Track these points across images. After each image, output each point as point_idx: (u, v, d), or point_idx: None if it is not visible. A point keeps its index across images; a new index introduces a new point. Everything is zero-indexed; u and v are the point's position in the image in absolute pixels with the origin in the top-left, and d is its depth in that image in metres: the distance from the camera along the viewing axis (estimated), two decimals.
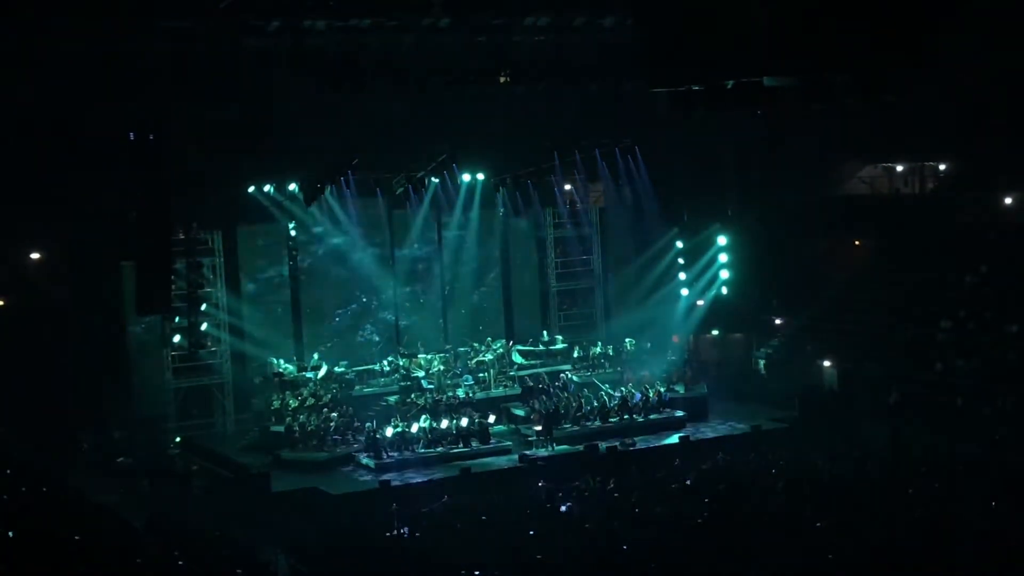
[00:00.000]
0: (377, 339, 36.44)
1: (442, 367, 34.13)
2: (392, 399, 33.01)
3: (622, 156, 35.31)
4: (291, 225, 35.13)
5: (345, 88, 26.41)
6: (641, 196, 39.49)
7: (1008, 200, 35.36)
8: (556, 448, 30.56)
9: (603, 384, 33.94)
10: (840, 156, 38.62)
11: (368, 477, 29.09)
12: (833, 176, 39.69)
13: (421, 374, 33.59)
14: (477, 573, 19.58)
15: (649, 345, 37.03)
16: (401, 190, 34.76)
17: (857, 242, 39.19)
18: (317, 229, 35.72)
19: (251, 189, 33.63)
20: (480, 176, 35.71)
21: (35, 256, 32.29)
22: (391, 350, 35.67)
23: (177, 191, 27.92)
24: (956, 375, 30.85)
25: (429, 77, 27.24)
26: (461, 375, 34.13)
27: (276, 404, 32.08)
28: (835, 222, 38.49)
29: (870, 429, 29.62)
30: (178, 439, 32.37)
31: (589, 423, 31.71)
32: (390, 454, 29.72)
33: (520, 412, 32.68)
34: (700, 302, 38.01)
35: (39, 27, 25.77)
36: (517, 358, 35.15)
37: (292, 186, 33.73)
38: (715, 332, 38.10)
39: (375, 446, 29.78)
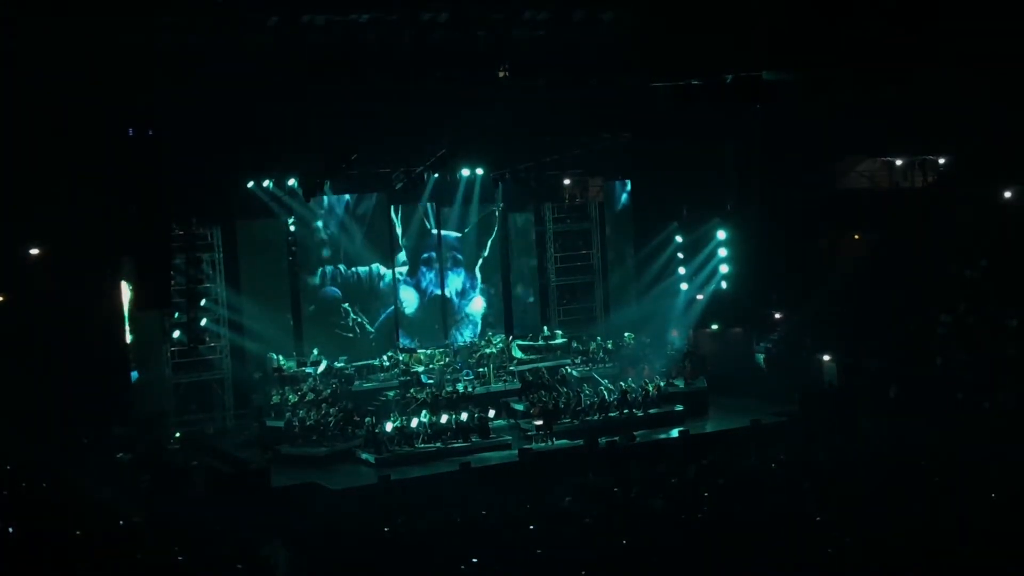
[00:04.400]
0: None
1: (442, 362, 34.16)
2: (392, 394, 33.04)
3: (622, 150, 35.28)
4: (290, 220, 35.11)
5: (344, 83, 26.37)
6: (640, 191, 39.59)
7: (1008, 194, 35.34)
8: (555, 443, 30.57)
9: (602, 379, 33.95)
10: (839, 150, 38.59)
11: (367, 472, 29.13)
12: (833, 170, 39.68)
13: (420, 369, 33.64)
14: (476, 567, 19.59)
15: (648, 340, 37.08)
16: (400, 185, 34.74)
17: (856, 236, 39.18)
18: (316, 224, 35.75)
19: (250, 184, 33.62)
20: (479, 171, 35.70)
21: (34, 252, 32.24)
22: (390, 345, 35.74)
23: (175, 187, 27.89)
24: (956, 369, 30.86)
25: (428, 72, 27.20)
26: (460, 370, 34.16)
27: (276, 399, 32.11)
28: (835, 216, 38.46)
29: (870, 424, 29.62)
30: (178, 435, 32.37)
31: (588, 418, 31.72)
32: (389, 449, 29.74)
33: (519, 407, 32.72)
34: (700, 296, 38.02)
35: (38, 22, 25.72)
36: (517, 353, 35.17)
37: (291, 181, 33.72)
38: (714, 327, 38.07)
39: (375, 441, 29.82)
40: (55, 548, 17.36)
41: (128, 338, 32.56)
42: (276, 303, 35.24)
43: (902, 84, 30.50)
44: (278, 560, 21.84)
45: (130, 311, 32.05)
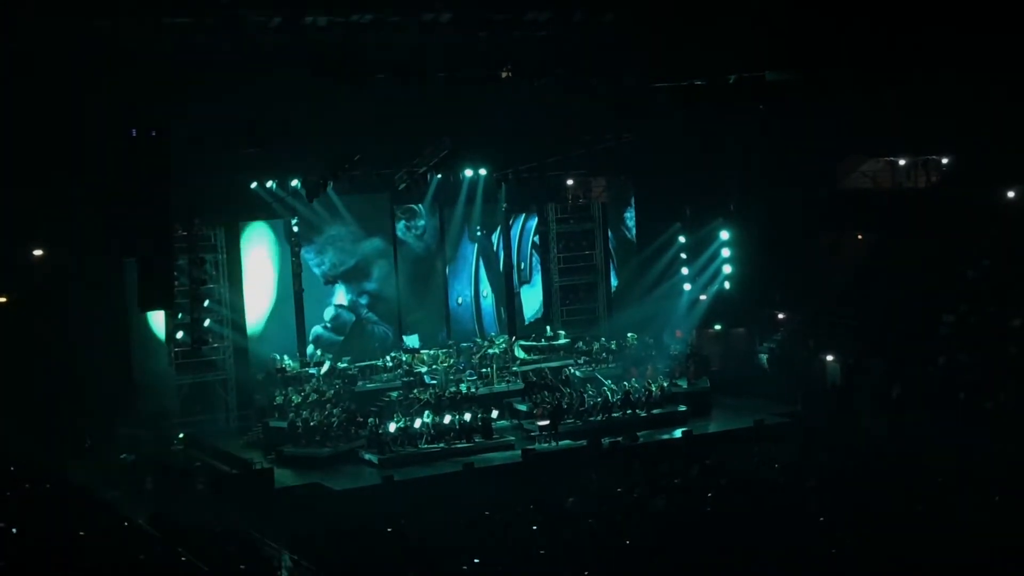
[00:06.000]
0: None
1: (445, 363, 34.17)
2: (395, 395, 33.03)
3: (624, 151, 35.30)
4: (293, 221, 35.14)
5: (347, 84, 26.41)
6: (643, 191, 39.60)
7: (1011, 194, 35.30)
8: (559, 443, 30.58)
9: (606, 379, 33.96)
10: (842, 150, 38.58)
11: (371, 472, 29.16)
12: (835, 171, 39.67)
13: (424, 369, 33.63)
14: (480, 567, 19.61)
15: (652, 340, 37.06)
16: (403, 186, 34.76)
17: (860, 236, 39.15)
18: (319, 225, 35.79)
19: (253, 185, 33.65)
20: (482, 171, 35.71)
21: (38, 253, 32.28)
22: (393, 346, 35.76)
23: (179, 187, 27.92)
24: (959, 369, 30.84)
25: (431, 73, 27.24)
26: (464, 370, 34.16)
27: (279, 400, 32.10)
28: (838, 216, 38.44)
29: (872, 423, 29.63)
30: (181, 435, 32.39)
31: (592, 418, 31.72)
32: (393, 449, 29.76)
33: (523, 407, 32.72)
34: (703, 297, 38.04)
35: (41, 23, 25.79)
36: (520, 353, 35.16)
37: (294, 182, 33.75)
38: (718, 327, 38.08)
39: (378, 442, 29.83)
40: (59, 548, 17.40)
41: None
42: (279, 304, 35.27)
43: (905, 84, 30.52)
44: (281, 561, 21.87)
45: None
